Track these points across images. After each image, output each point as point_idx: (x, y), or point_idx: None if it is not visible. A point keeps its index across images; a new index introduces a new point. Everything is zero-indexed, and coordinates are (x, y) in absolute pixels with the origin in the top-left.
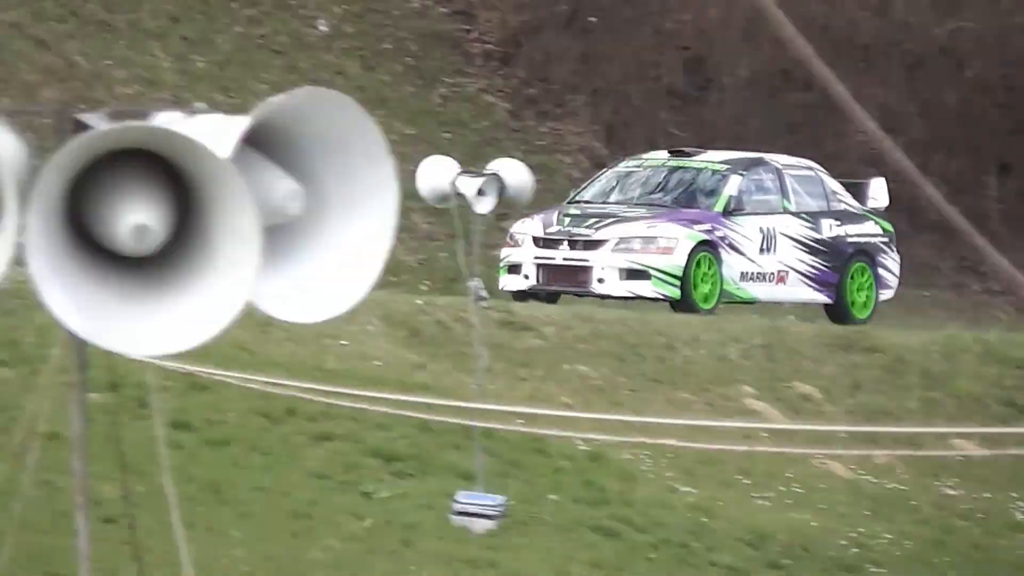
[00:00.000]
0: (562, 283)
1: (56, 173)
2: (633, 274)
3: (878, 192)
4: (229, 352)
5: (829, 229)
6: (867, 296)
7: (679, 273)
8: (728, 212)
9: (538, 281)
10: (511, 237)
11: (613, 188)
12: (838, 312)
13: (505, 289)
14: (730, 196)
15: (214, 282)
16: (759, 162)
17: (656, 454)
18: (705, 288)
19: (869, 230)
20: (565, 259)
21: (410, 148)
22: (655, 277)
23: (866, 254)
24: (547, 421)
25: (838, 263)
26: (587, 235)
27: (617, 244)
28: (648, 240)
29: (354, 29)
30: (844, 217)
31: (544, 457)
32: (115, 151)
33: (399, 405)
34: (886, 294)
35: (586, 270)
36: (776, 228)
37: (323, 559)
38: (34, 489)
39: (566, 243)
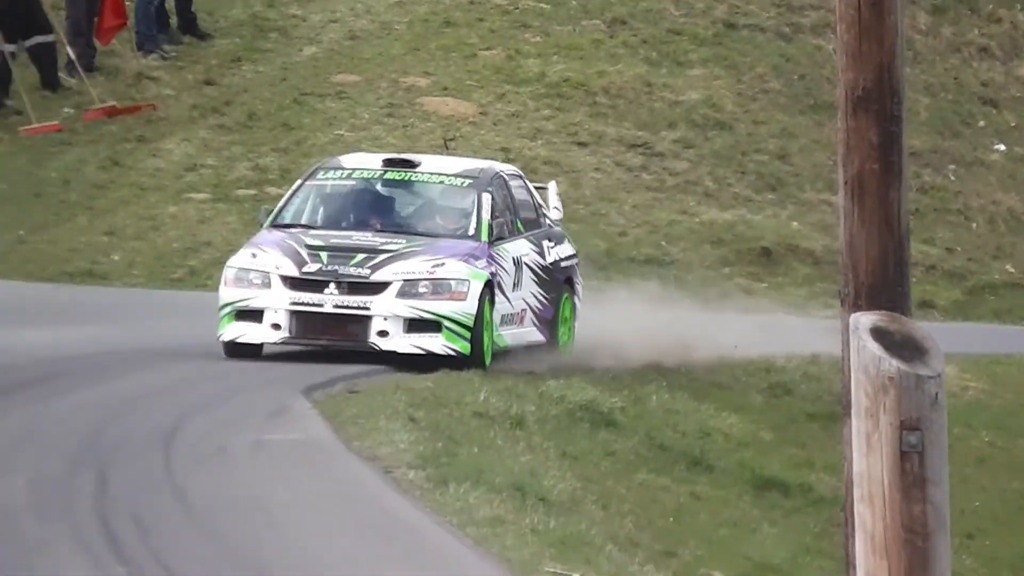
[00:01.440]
0: (331, 336)
1: None
2: (421, 326)
3: (555, 199)
4: None
5: (548, 253)
6: (568, 332)
7: (471, 323)
8: (492, 241)
9: (294, 333)
10: (236, 276)
11: (321, 208)
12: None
13: (235, 341)
14: (489, 222)
15: None
16: (492, 173)
17: None
18: (487, 339)
19: (570, 251)
20: (336, 307)
21: None
22: (447, 329)
23: (569, 281)
24: None
25: (554, 295)
26: (361, 276)
27: (402, 288)
28: (438, 283)
29: None
30: (553, 237)
31: None
32: None
33: None
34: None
35: (362, 320)
36: (522, 257)
37: None
38: None
39: (333, 286)
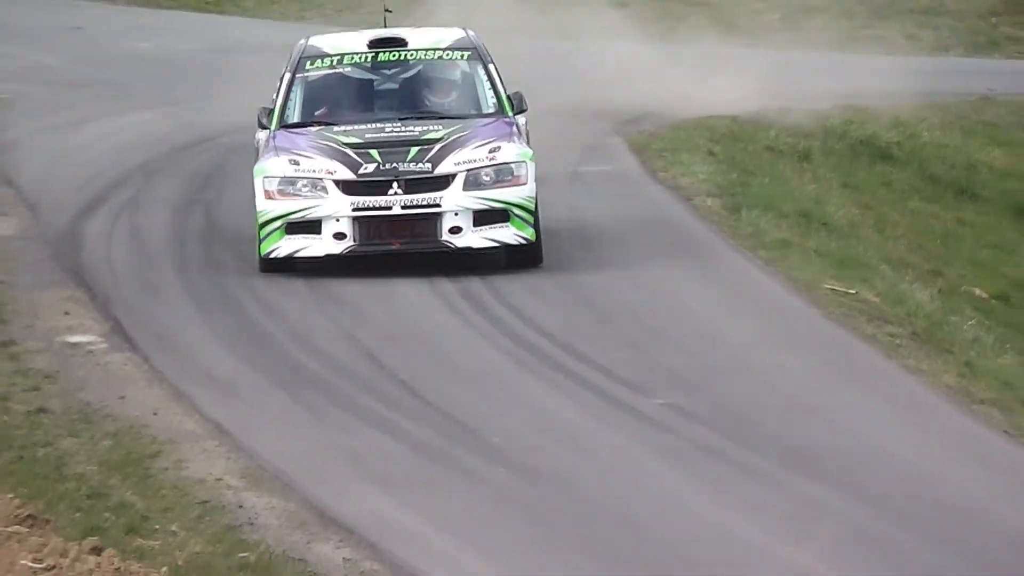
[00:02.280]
0: (399, 238)
1: None
2: (488, 216)
3: None
4: None
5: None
6: None
7: (533, 207)
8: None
9: (359, 240)
10: (281, 186)
11: (325, 102)
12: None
13: (293, 256)
14: (507, 95)
15: None
16: (478, 40)
17: None
18: None
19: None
20: (405, 207)
21: None
22: (515, 217)
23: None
24: None
25: None
26: (424, 171)
27: (467, 179)
28: (500, 169)
29: None
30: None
31: None
32: None
33: None
34: None
35: (432, 219)
36: (525, 125)
37: None
38: None
39: (396, 185)
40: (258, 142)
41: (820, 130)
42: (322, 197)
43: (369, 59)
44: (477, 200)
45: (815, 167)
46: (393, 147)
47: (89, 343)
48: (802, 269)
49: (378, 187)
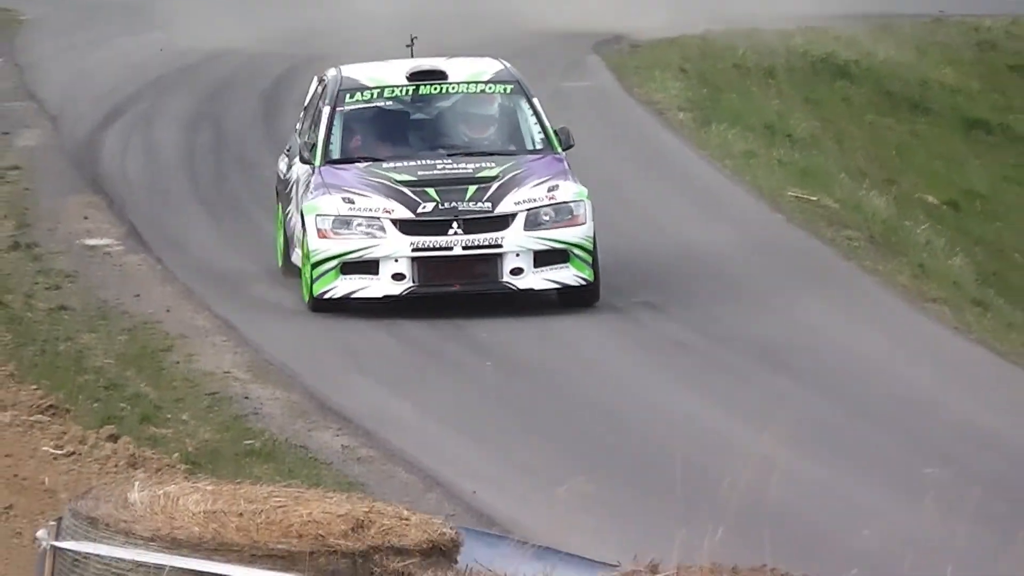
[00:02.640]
0: (460, 279)
1: None
2: (548, 257)
3: None
4: None
5: None
6: None
7: (592, 247)
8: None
9: (419, 281)
10: (335, 225)
11: (368, 137)
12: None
13: (350, 297)
14: (555, 131)
15: None
16: (516, 73)
17: None
18: None
19: None
20: (466, 247)
21: None
22: (575, 257)
23: None
24: None
25: None
26: (484, 211)
27: (528, 219)
28: (559, 209)
29: None
30: None
31: None
32: None
33: None
34: None
35: (492, 260)
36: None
37: None
38: None
39: (455, 224)
40: (290, 173)
41: (784, 49)
42: (380, 237)
43: (409, 92)
44: (538, 240)
45: (779, 84)
46: (450, 185)
47: (106, 246)
48: (767, 178)
49: (438, 227)
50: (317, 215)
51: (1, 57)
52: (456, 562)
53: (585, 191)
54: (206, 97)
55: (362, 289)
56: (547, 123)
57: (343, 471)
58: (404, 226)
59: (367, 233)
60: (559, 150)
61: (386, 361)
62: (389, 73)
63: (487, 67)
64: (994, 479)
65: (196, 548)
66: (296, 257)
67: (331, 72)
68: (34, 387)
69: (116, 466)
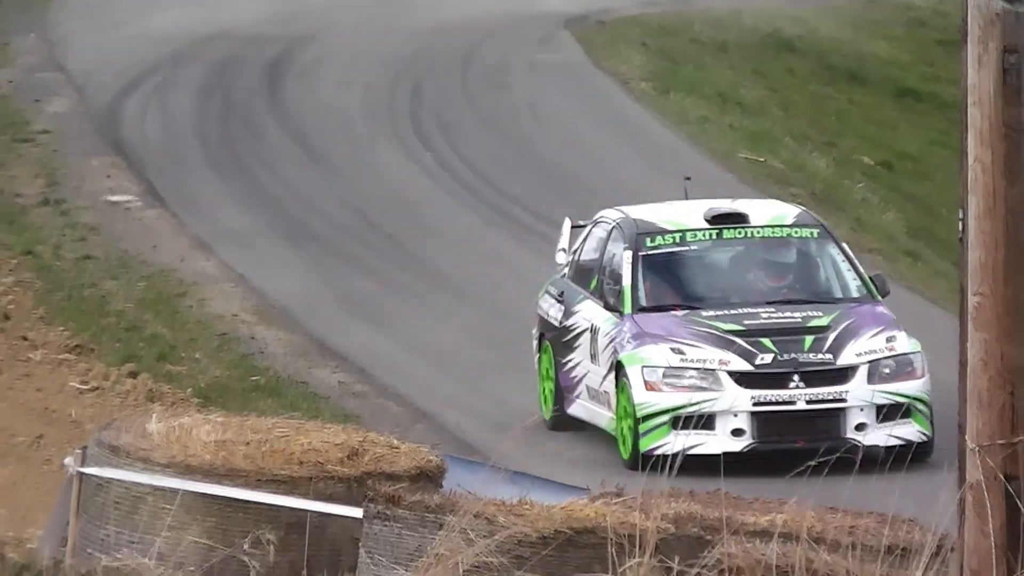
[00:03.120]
0: (801, 436)
1: None
2: (890, 412)
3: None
4: None
5: None
6: None
7: (930, 402)
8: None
9: (758, 437)
10: (667, 377)
11: (675, 282)
12: None
13: (686, 453)
14: (869, 277)
15: None
16: (817, 217)
17: None
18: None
19: None
20: (810, 401)
21: None
22: (917, 412)
23: None
24: None
25: None
26: (826, 362)
27: (870, 371)
28: (900, 361)
29: None
30: None
31: None
32: None
33: None
34: None
35: (836, 414)
36: None
37: None
38: None
39: (797, 377)
40: (571, 320)
41: (735, 26)
42: (716, 390)
43: (712, 236)
44: (881, 394)
45: (731, 57)
46: (784, 335)
47: (127, 201)
48: (720, 141)
49: (778, 379)
50: (644, 367)
51: (33, 33)
52: (441, 486)
53: (918, 343)
54: (216, 68)
55: (699, 446)
56: (861, 269)
57: (340, 405)
58: (742, 379)
59: (701, 386)
60: (879, 297)
61: (377, 306)
62: (686, 216)
63: (786, 210)
64: None
65: (208, 474)
66: (578, 409)
67: (610, 214)
68: (62, 328)
69: (136, 400)
